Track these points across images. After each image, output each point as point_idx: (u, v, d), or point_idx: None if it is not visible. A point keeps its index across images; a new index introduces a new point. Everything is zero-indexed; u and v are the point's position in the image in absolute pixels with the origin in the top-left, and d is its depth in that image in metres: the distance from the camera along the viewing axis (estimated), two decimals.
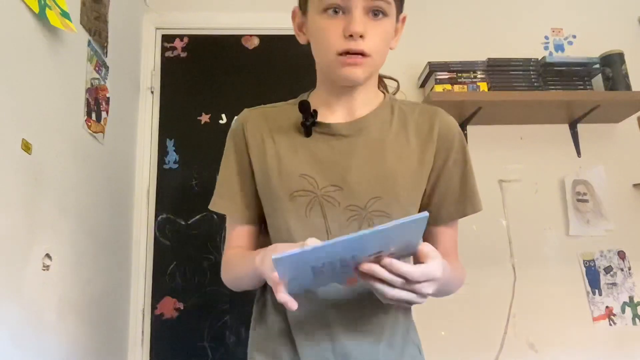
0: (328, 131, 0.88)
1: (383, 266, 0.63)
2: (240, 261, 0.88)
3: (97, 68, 1.59)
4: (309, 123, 0.87)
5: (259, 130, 0.91)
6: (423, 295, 0.66)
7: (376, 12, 0.81)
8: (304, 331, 0.82)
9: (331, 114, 0.90)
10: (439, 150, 0.88)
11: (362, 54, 0.80)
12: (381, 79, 1.00)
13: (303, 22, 0.89)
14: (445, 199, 0.90)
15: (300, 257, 0.58)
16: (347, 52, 0.79)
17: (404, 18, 0.91)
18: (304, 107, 0.87)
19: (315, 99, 0.92)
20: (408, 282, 0.64)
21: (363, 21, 0.79)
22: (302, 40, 0.91)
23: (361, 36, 0.78)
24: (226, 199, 0.93)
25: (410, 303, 0.68)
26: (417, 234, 0.64)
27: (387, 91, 0.99)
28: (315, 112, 0.87)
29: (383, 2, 0.80)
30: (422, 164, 0.87)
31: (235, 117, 0.97)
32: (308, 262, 0.60)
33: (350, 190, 0.83)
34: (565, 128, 2.17)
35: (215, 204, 0.95)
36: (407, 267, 0.64)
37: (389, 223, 0.58)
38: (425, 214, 0.59)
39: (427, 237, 0.91)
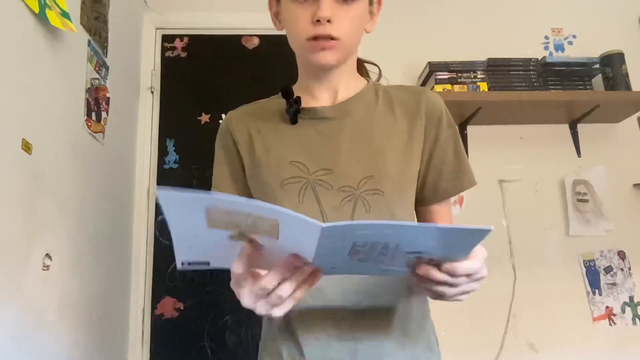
0: (313, 115, 0.88)
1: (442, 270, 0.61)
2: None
3: (97, 68, 1.59)
4: (293, 108, 0.87)
5: (246, 127, 0.92)
6: (481, 279, 0.65)
7: None
8: (307, 327, 0.80)
9: (314, 100, 0.91)
10: (428, 128, 0.88)
11: (330, 37, 0.81)
12: (363, 66, 1.00)
13: (278, 10, 0.90)
14: (441, 175, 0.89)
15: (351, 229, 0.54)
16: (317, 37, 0.81)
17: (381, 1, 0.91)
18: (287, 92, 0.87)
19: (297, 87, 0.93)
20: (469, 277, 0.63)
21: (331, 6, 0.80)
22: (278, 27, 0.92)
23: (329, 21, 0.79)
24: None
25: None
26: (471, 245, 0.60)
27: (369, 77, 0.99)
28: (298, 98, 0.88)
29: None
30: (411, 140, 0.87)
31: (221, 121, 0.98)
32: (353, 238, 0.55)
33: (341, 172, 0.83)
34: (565, 128, 2.17)
35: None
36: (469, 265, 0.61)
37: (452, 225, 0.55)
38: (491, 227, 0.54)
39: (424, 216, 0.91)
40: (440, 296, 0.66)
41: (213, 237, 0.57)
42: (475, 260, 0.62)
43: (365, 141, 0.85)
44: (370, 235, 0.55)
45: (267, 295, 0.61)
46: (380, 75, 1.01)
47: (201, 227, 0.55)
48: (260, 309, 0.63)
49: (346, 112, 0.88)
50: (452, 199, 0.97)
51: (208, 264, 0.62)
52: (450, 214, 0.93)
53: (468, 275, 0.62)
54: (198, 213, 0.54)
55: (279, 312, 0.63)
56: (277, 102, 0.92)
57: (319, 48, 0.81)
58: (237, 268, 0.60)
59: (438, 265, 0.61)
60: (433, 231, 0.56)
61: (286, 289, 0.60)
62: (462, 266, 0.61)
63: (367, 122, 0.87)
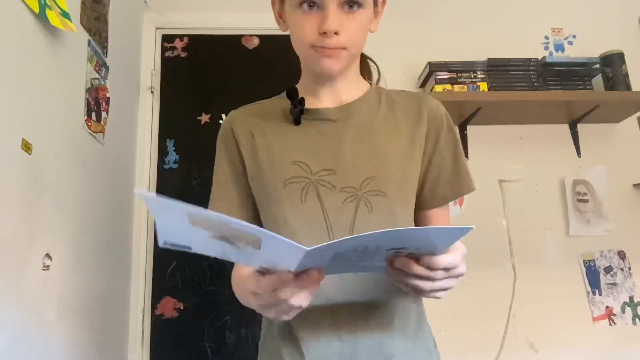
0: (317, 117, 0.89)
1: (420, 263, 0.62)
2: (244, 293, 0.83)
3: (97, 68, 1.59)
4: (297, 109, 0.87)
5: (248, 126, 0.92)
6: (459, 276, 0.65)
7: (351, 5, 0.81)
8: (308, 327, 0.80)
9: (318, 102, 0.91)
10: (429, 132, 0.89)
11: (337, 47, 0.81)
12: (366, 65, 1.00)
13: (282, 11, 0.89)
14: (439, 180, 0.90)
15: (335, 246, 0.56)
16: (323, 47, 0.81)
17: (384, 0, 0.91)
18: (292, 93, 0.87)
19: (300, 88, 0.93)
20: (447, 271, 0.63)
21: (337, 17, 0.79)
22: (282, 28, 0.91)
23: (336, 32, 0.79)
24: (222, 200, 0.92)
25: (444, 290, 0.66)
26: (450, 242, 0.61)
27: (371, 77, 0.99)
28: (302, 99, 0.88)
29: None
30: (413, 143, 0.87)
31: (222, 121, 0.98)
32: (336, 250, 0.57)
33: (344, 173, 0.84)
34: (565, 128, 2.17)
35: (212, 208, 0.93)
36: (448, 259, 0.62)
37: (433, 227, 0.57)
38: (472, 227, 0.56)
39: (422, 220, 0.91)
40: (417, 291, 0.66)
41: (194, 233, 0.58)
42: (455, 255, 0.63)
43: (368, 143, 0.86)
44: (353, 245, 0.57)
45: (278, 305, 0.63)
46: (379, 73, 1.01)
47: (183, 223, 0.56)
48: (270, 314, 0.66)
49: (349, 114, 0.89)
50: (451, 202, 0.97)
51: (190, 248, 0.62)
52: (449, 219, 0.94)
53: (446, 270, 0.63)
54: (182, 216, 0.55)
55: (287, 317, 0.66)
56: (280, 102, 0.92)
57: (324, 55, 0.81)
58: (262, 289, 0.63)
59: (416, 258, 0.62)
60: (416, 233, 0.57)
61: (298, 299, 0.62)
62: (441, 260, 0.61)
63: (369, 125, 0.88)
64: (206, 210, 0.53)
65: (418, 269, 0.62)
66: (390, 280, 0.67)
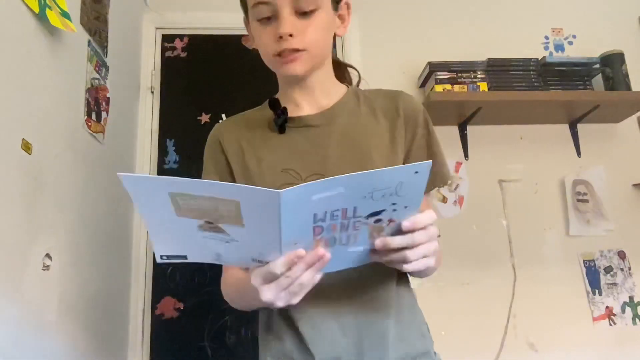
0: (301, 124, 0.91)
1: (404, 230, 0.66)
2: (241, 293, 0.87)
3: (97, 68, 1.59)
4: (281, 118, 0.90)
5: (236, 138, 0.94)
6: (435, 239, 0.70)
7: (302, 13, 0.85)
8: (312, 326, 0.82)
9: (299, 109, 0.94)
10: (407, 128, 0.92)
11: (295, 50, 0.84)
12: (345, 70, 1.03)
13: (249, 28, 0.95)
14: None
15: (305, 190, 0.57)
16: (282, 52, 0.85)
17: (348, 3, 0.94)
18: (274, 103, 0.91)
19: (279, 97, 0.96)
20: (425, 231, 0.67)
21: (291, 22, 0.83)
22: (250, 45, 0.96)
23: (291, 35, 0.83)
24: None
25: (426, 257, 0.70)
26: (420, 187, 0.63)
27: (351, 82, 1.03)
28: (285, 108, 0.91)
29: (305, 1, 0.84)
30: (394, 141, 0.90)
31: (210, 133, 1.00)
32: (312, 207, 0.58)
33: (332, 175, 0.85)
34: (565, 128, 2.17)
35: None
36: (427, 215, 0.67)
37: (397, 166, 0.60)
38: (429, 162, 0.60)
39: None
40: (403, 262, 0.69)
41: (184, 227, 0.59)
42: (429, 212, 0.69)
43: (352, 145, 0.89)
44: (326, 199, 0.58)
45: (289, 286, 0.66)
46: (359, 78, 1.04)
47: (171, 215, 0.58)
48: (280, 301, 0.67)
49: (331, 119, 0.91)
50: (445, 197, 0.98)
51: (185, 257, 0.64)
52: (430, 206, 0.95)
53: (425, 229, 0.67)
54: (164, 199, 0.56)
55: (296, 299, 0.68)
56: (263, 112, 0.95)
57: (286, 62, 0.85)
58: (279, 269, 0.64)
59: (398, 227, 0.66)
60: (380, 175, 0.60)
61: (307, 276, 0.65)
62: (422, 216, 0.67)
63: (352, 127, 0.91)
64: (178, 178, 0.55)
65: (398, 240, 0.66)
66: (375, 259, 0.71)
